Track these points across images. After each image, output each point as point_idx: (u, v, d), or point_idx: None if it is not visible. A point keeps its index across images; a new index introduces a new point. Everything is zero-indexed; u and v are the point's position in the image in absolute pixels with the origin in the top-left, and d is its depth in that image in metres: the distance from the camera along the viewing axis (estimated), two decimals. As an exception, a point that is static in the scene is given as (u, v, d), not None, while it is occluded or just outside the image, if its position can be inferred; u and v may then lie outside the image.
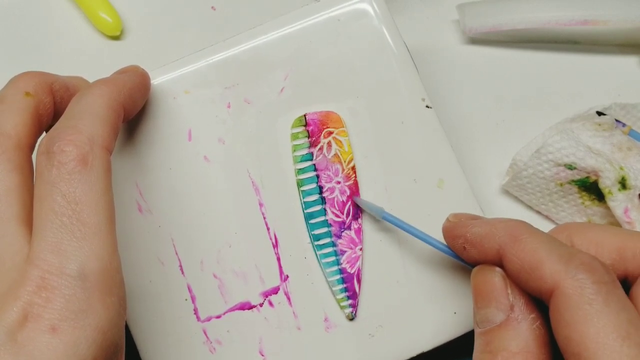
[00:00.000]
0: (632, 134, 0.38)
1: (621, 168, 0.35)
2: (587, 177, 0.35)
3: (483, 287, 0.26)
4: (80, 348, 0.23)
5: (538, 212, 0.39)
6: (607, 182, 0.35)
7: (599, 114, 0.38)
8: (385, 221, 0.32)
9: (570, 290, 0.22)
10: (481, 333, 0.25)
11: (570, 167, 0.35)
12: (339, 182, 0.33)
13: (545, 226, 0.39)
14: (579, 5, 0.39)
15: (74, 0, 0.42)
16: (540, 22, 0.39)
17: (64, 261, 0.23)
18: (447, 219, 0.29)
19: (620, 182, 0.35)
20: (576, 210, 0.37)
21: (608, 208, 0.35)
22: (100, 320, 0.23)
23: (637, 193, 0.35)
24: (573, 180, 0.36)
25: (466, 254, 0.27)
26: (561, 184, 0.36)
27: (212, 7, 0.43)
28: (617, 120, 0.38)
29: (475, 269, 0.27)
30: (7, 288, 0.23)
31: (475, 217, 0.28)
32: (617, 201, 0.35)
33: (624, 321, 0.21)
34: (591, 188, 0.36)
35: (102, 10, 0.41)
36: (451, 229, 0.28)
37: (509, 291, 0.25)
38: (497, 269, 0.26)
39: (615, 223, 0.36)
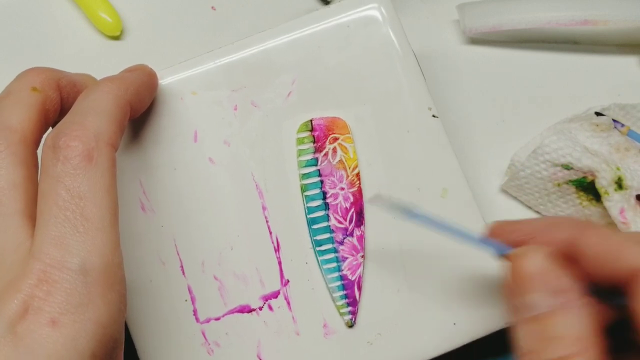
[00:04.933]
0: (630, 134, 0.38)
1: (618, 168, 0.35)
2: (584, 177, 0.36)
3: (531, 269, 0.24)
4: (80, 342, 0.23)
5: (537, 212, 0.39)
6: (603, 182, 0.35)
7: (598, 114, 0.38)
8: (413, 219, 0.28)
9: None
10: (529, 320, 0.23)
11: (567, 167, 0.35)
12: (343, 189, 0.33)
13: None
14: (579, 5, 0.39)
15: (74, 0, 0.42)
16: (540, 22, 0.39)
17: (66, 255, 0.23)
18: (490, 224, 0.27)
19: (616, 182, 0.35)
20: (574, 210, 0.37)
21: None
22: (101, 315, 0.23)
23: (634, 194, 0.35)
24: (570, 181, 0.36)
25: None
26: (559, 184, 0.36)
27: (212, 7, 0.43)
28: (616, 121, 0.38)
29: (518, 251, 0.24)
30: (9, 281, 0.23)
31: (519, 221, 0.27)
32: (613, 201, 0.35)
33: None
34: (588, 188, 0.36)
35: (102, 10, 0.41)
36: (505, 225, 0.26)
37: (562, 273, 0.23)
38: (545, 248, 0.24)
39: (612, 223, 0.36)
